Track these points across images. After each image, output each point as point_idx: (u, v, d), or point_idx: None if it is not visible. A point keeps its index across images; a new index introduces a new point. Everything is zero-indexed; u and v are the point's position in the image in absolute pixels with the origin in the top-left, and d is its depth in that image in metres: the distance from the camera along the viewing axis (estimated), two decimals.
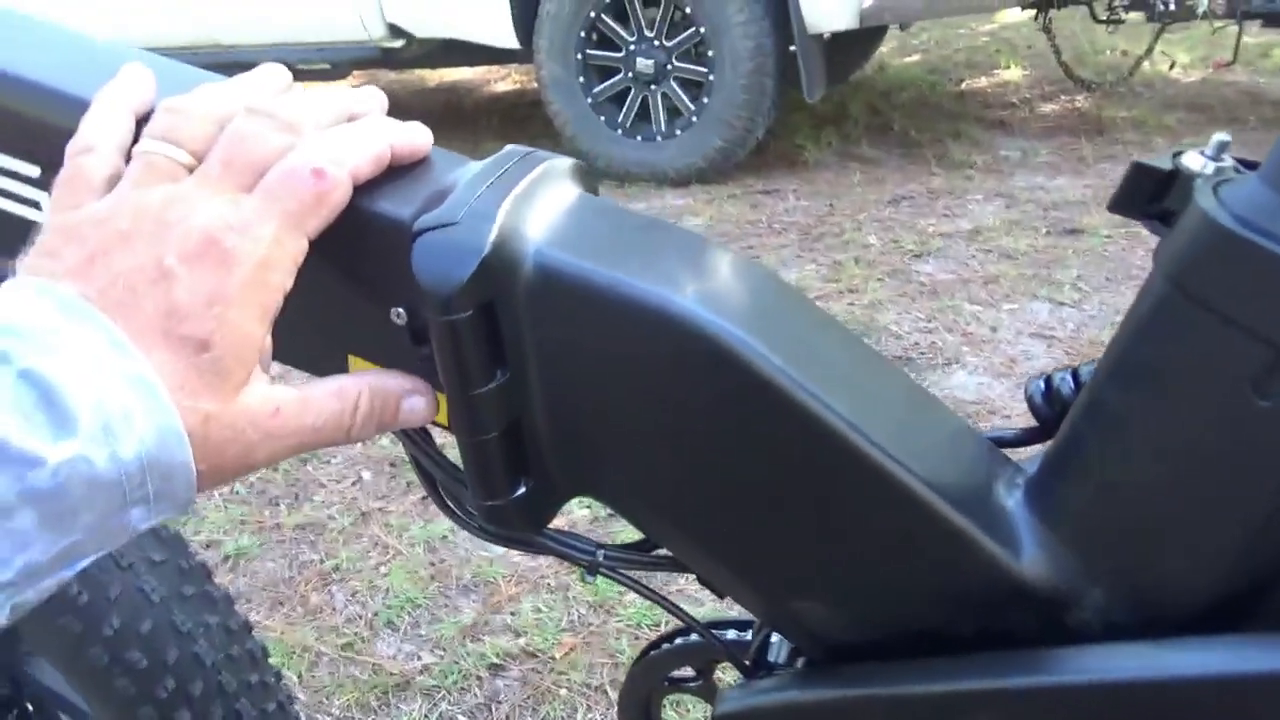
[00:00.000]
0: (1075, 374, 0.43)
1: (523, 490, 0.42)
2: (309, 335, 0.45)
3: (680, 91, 3.12)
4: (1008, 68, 4.39)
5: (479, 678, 1.23)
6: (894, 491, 0.38)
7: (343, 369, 0.45)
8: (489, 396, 0.39)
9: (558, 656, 1.25)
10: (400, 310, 0.40)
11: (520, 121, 4.04)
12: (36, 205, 0.46)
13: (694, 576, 0.47)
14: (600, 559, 0.46)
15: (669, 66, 3.11)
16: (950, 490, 0.39)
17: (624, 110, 3.21)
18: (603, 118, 3.22)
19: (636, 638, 1.27)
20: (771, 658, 0.50)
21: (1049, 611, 0.39)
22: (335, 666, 1.26)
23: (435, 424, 0.44)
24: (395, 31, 3.33)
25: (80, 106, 0.43)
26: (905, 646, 0.43)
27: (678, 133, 3.15)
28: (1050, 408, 0.43)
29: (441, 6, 3.22)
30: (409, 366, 0.43)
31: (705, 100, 3.07)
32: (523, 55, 3.36)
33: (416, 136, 0.40)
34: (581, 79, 3.19)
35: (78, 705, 0.82)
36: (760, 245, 2.64)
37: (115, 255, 0.32)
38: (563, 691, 1.20)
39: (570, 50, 3.15)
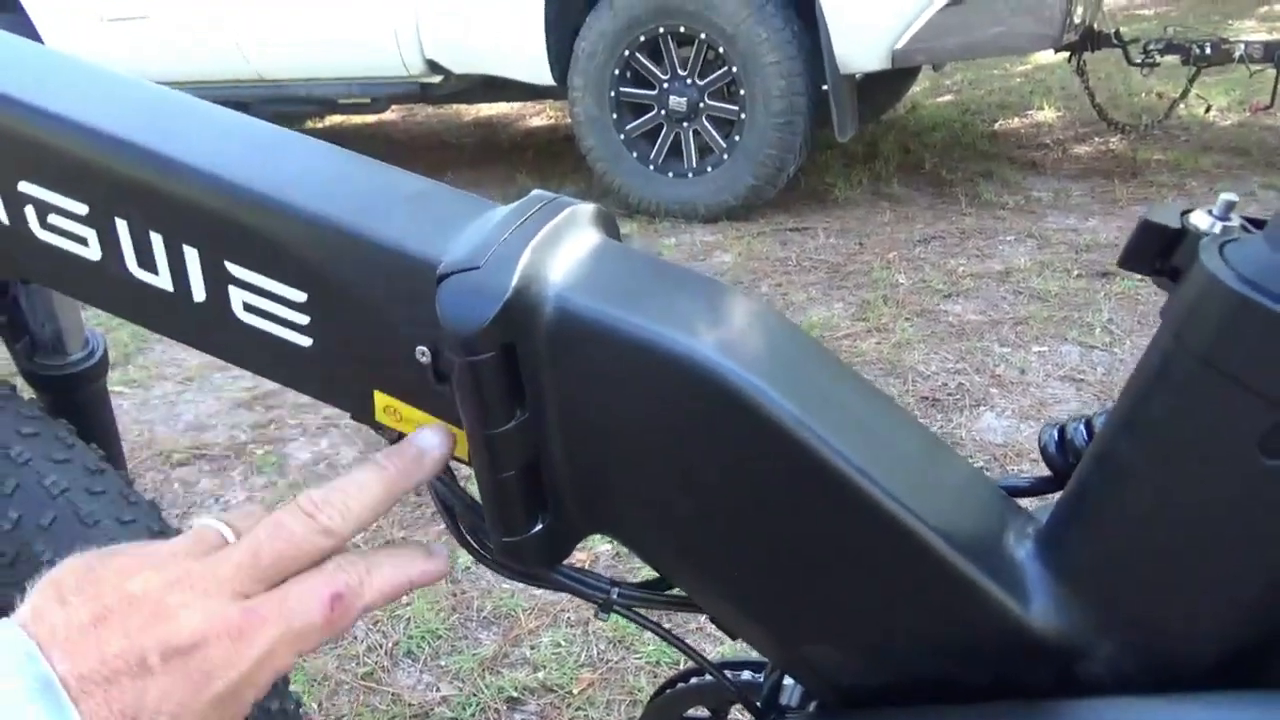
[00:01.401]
0: (1089, 424, 0.43)
1: (539, 527, 0.43)
2: (335, 369, 0.46)
3: (712, 129, 3.16)
4: (1041, 109, 4.39)
5: (497, 711, 1.23)
6: (905, 539, 0.38)
7: (368, 404, 0.46)
8: (508, 435, 0.40)
9: (575, 692, 1.25)
10: (424, 349, 0.42)
11: (554, 156, 4.09)
12: (84, 241, 0.48)
13: (707, 616, 0.48)
14: (614, 597, 0.47)
15: (701, 104, 3.14)
16: (960, 539, 0.39)
17: (656, 147, 3.24)
18: (635, 154, 3.26)
19: (655, 675, 1.26)
20: (784, 700, 0.50)
21: (1059, 663, 0.39)
22: (355, 695, 1.27)
23: (454, 459, 0.46)
24: (434, 68, 3.40)
25: (125, 148, 0.45)
26: (916, 693, 0.43)
27: (709, 169, 3.18)
28: (1063, 457, 0.44)
29: (479, 44, 3.28)
30: (431, 403, 0.44)
31: (737, 138, 3.10)
32: (558, 92, 3.41)
33: (434, 569, 0.40)
34: (615, 116, 3.23)
35: None
36: (789, 283, 2.64)
37: (112, 630, 0.31)
38: None
39: (604, 88, 3.20)
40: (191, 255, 0.46)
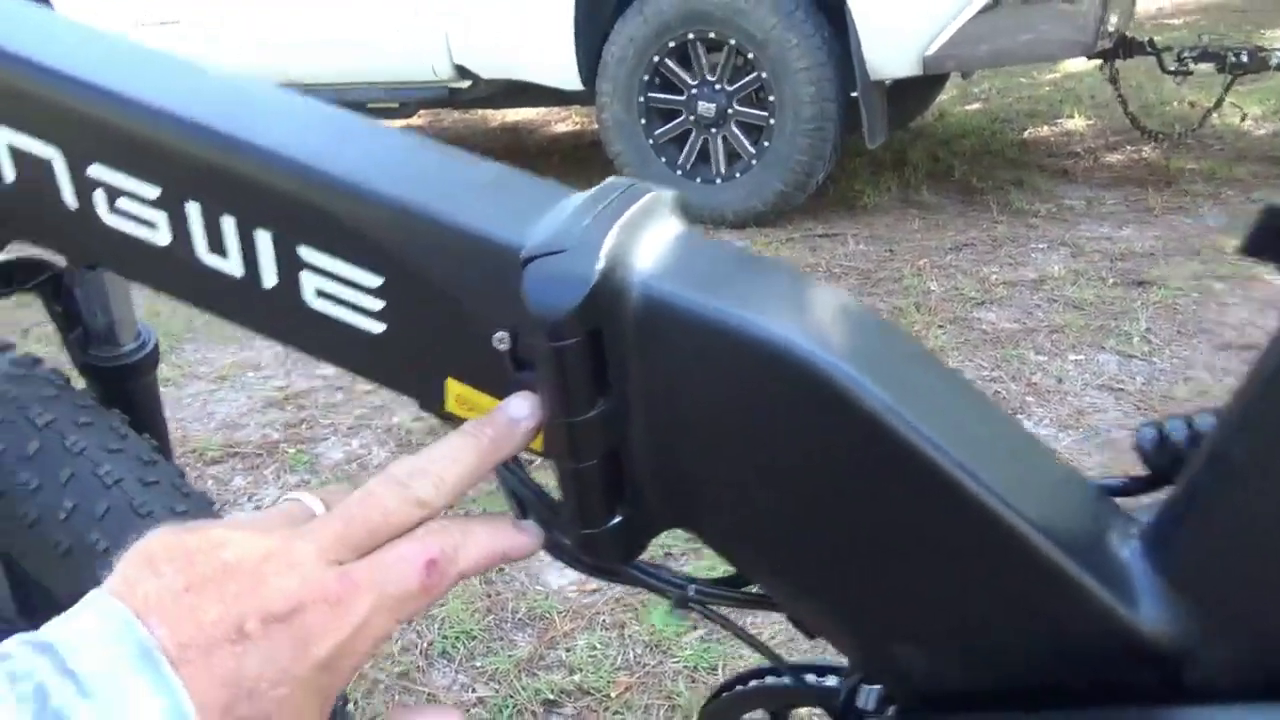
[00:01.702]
0: (1190, 423, 0.42)
1: (618, 520, 0.42)
2: (408, 357, 0.45)
3: (741, 135, 3.15)
4: (1071, 117, 4.35)
5: (534, 713, 1.22)
6: (1005, 537, 0.37)
7: (440, 393, 0.45)
8: (590, 424, 0.39)
9: (613, 695, 1.23)
10: (503, 335, 0.41)
11: (580, 162, 4.10)
12: (154, 226, 0.47)
13: (784, 616, 0.46)
14: (691, 593, 0.45)
15: (730, 110, 3.13)
16: (1063, 537, 0.38)
17: (684, 152, 3.24)
18: (663, 159, 3.25)
19: (693, 680, 1.25)
20: (860, 703, 0.49)
21: (1166, 668, 0.37)
22: (391, 694, 1.26)
23: (529, 451, 0.44)
24: (462, 72, 3.41)
25: (199, 130, 0.45)
26: (1006, 697, 0.41)
27: (737, 175, 3.17)
28: (1162, 456, 0.42)
29: (508, 50, 3.29)
30: (507, 391, 0.43)
31: (766, 144, 3.09)
32: (585, 97, 3.42)
33: (527, 542, 0.39)
34: (643, 121, 3.23)
35: None
36: None
37: (208, 597, 0.31)
38: None
39: (633, 93, 3.19)
40: (264, 240, 0.45)
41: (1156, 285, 2.49)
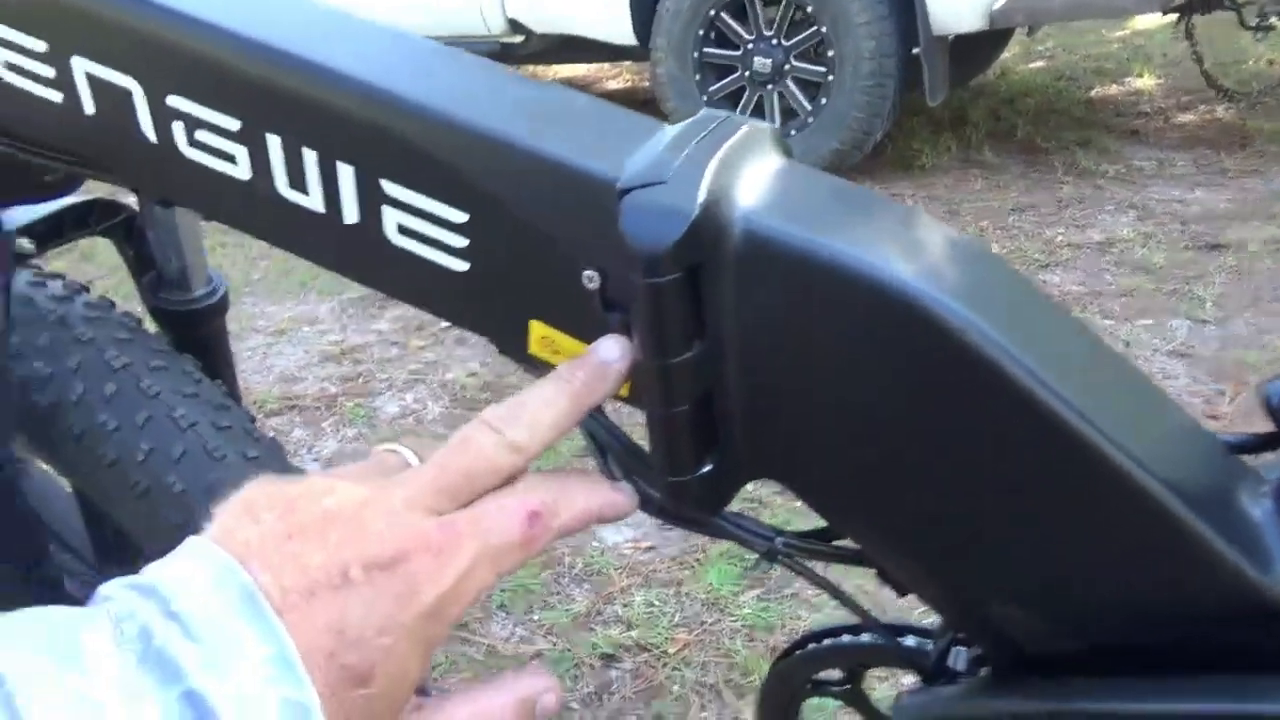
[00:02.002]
0: None
1: (708, 468, 0.41)
2: (491, 296, 0.44)
3: (797, 91, 3.08)
4: (1140, 75, 4.19)
5: (591, 666, 1.22)
6: (1127, 490, 0.35)
7: (523, 335, 0.44)
8: (685, 366, 0.37)
9: (671, 652, 1.23)
10: (592, 273, 0.39)
11: None
12: (233, 160, 0.46)
13: (875, 571, 0.45)
14: (779, 546, 0.44)
15: (787, 66, 3.06)
16: (1190, 493, 0.35)
17: (739, 109, 3.18)
18: None
19: (751, 639, 1.24)
20: (951, 664, 0.47)
21: None
22: (450, 645, 1.28)
23: (615, 397, 0.43)
24: (515, 27, 3.38)
25: (281, 58, 0.43)
26: (1115, 661, 0.39)
27: (793, 133, 3.10)
28: None
29: (561, 3, 3.25)
30: (594, 334, 0.42)
31: (823, 101, 3.02)
32: (639, 53, 3.36)
33: (623, 502, 0.38)
34: (698, 77, 3.17)
35: None
36: None
37: (311, 544, 0.30)
38: (675, 688, 1.18)
39: (687, 48, 3.14)
40: (346, 173, 0.44)
41: (1230, 249, 2.39)
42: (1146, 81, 4.11)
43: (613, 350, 0.38)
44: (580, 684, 1.19)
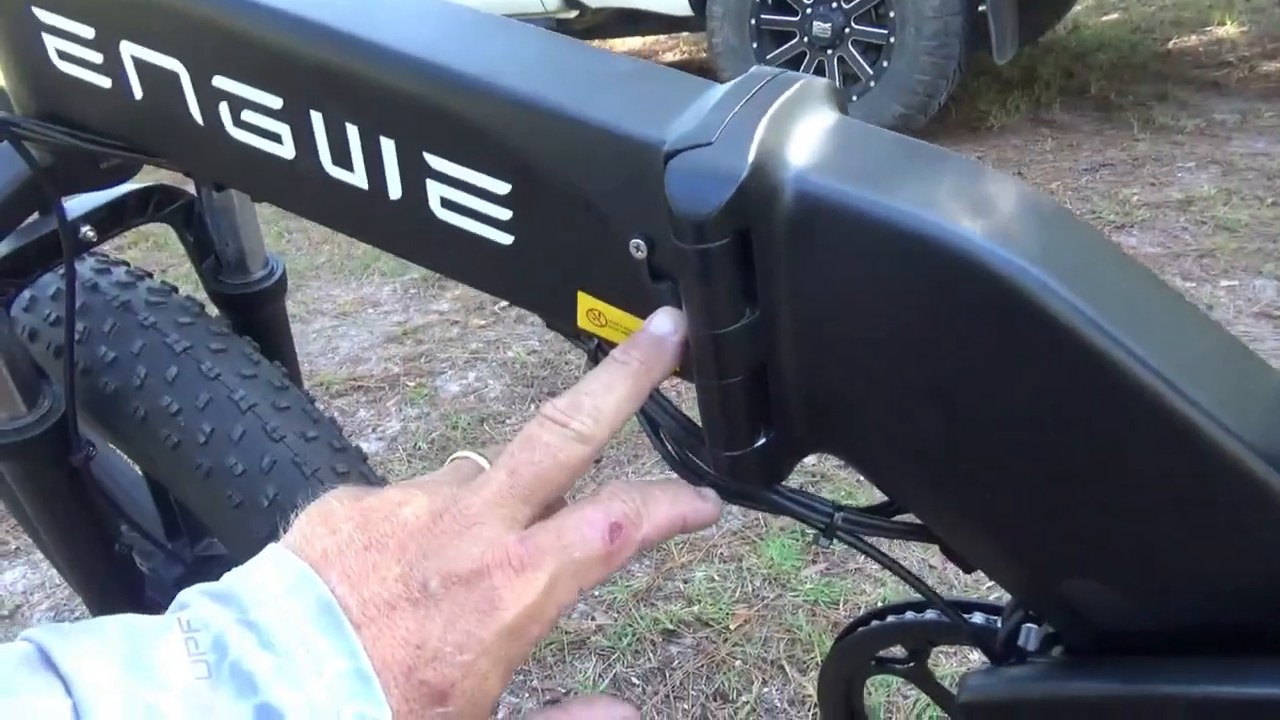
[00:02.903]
0: None
1: (763, 441, 0.39)
2: (536, 269, 0.43)
3: (858, 55, 3.00)
4: (1222, 24, 3.98)
5: (653, 642, 1.22)
6: (1215, 456, 0.32)
7: (570, 307, 0.43)
8: (737, 336, 0.36)
9: (732, 628, 1.22)
10: (640, 241, 0.38)
11: None
12: (278, 139, 0.46)
13: (939, 546, 0.43)
14: (838, 522, 0.42)
15: (847, 29, 2.99)
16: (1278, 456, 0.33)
17: None
18: None
19: (814, 614, 1.23)
20: (1021, 643, 0.45)
21: None
22: None
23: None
24: (569, 2, 3.36)
25: (318, 33, 0.43)
26: (1197, 642, 0.37)
27: (854, 99, 3.03)
28: None
29: None
30: (642, 305, 0.40)
31: (885, 64, 2.94)
32: (694, 23, 3.31)
33: (708, 510, 0.37)
34: (755, 45, 3.11)
35: None
36: None
37: (389, 556, 0.29)
38: (737, 663, 1.17)
39: (745, 15, 3.08)
40: (388, 148, 0.43)
41: None
42: (1229, 30, 3.91)
43: (666, 325, 0.37)
44: (641, 660, 1.19)
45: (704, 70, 3.52)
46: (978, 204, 0.35)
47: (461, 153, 0.41)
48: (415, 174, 0.43)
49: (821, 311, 0.36)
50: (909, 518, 0.42)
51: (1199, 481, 0.33)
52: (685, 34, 4.43)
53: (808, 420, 0.39)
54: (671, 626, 1.24)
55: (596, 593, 1.32)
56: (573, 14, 3.42)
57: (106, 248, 0.73)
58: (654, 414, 0.43)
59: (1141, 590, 0.37)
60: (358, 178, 0.45)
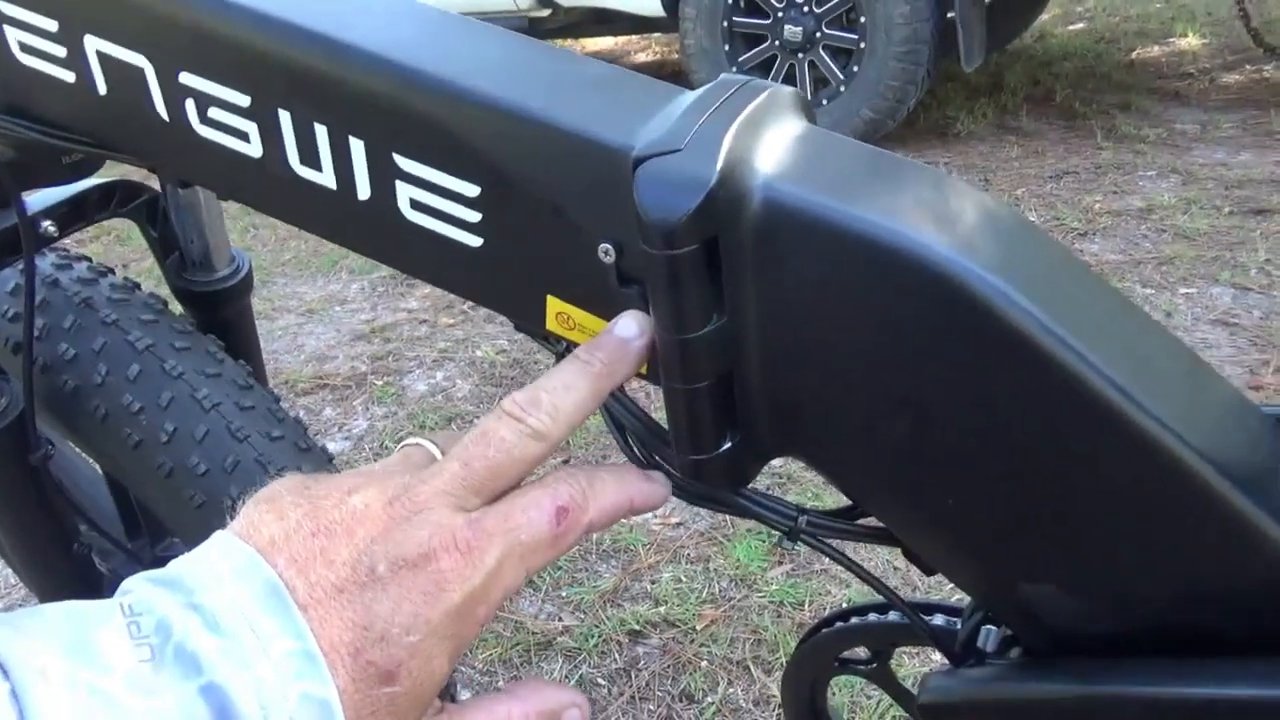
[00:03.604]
0: None
1: (728, 445, 0.40)
2: (506, 272, 0.43)
3: (829, 60, 3.02)
4: (1184, 36, 4.06)
5: (619, 643, 1.22)
6: (1168, 465, 0.33)
7: (539, 310, 0.43)
8: (704, 342, 0.36)
9: (698, 628, 1.23)
10: (608, 246, 0.38)
11: None
12: (245, 137, 0.46)
13: (901, 550, 0.43)
14: (802, 525, 0.43)
15: (818, 34, 3.01)
16: (1236, 470, 0.34)
17: (769, 79, 3.13)
18: None
19: (779, 614, 1.24)
20: (980, 644, 0.46)
21: None
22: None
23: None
24: (542, 1, 3.35)
25: (288, 31, 0.42)
26: (1151, 643, 0.38)
27: (824, 102, 3.05)
28: None
29: None
30: (610, 308, 0.40)
31: (855, 69, 2.96)
32: (666, 24, 3.32)
33: (655, 492, 0.37)
34: (727, 47, 3.13)
35: None
36: None
37: (337, 541, 0.29)
38: (704, 663, 1.18)
39: (717, 17, 3.09)
40: (357, 148, 0.43)
41: (1277, 214, 2.32)
42: (1191, 41, 3.99)
43: (631, 327, 0.37)
44: (608, 660, 1.19)
45: (676, 72, 3.53)
46: (941, 214, 0.35)
47: (431, 155, 0.41)
48: (384, 175, 0.43)
49: (788, 318, 0.36)
50: (872, 521, 0.43)
51: (1153, 489, 0.34)
52: (657, 35, 4.44)
53: (773, 425, 0.39)
54: (638, 627, 1.24)
55: (563, 594, 1.32)
56: (545, 12, 3.41)
57: (67, 243, 0.72)
58: (620, 416, 0.43)
59: (1097, 594, 0.38)
60: (326, 177, 0.44)
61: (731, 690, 1.14)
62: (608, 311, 0.41)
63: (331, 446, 1.73)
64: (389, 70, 0.40)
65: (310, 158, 0.44)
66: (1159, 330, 0.39)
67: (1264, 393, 1.68)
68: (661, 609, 1.26)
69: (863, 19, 2.90)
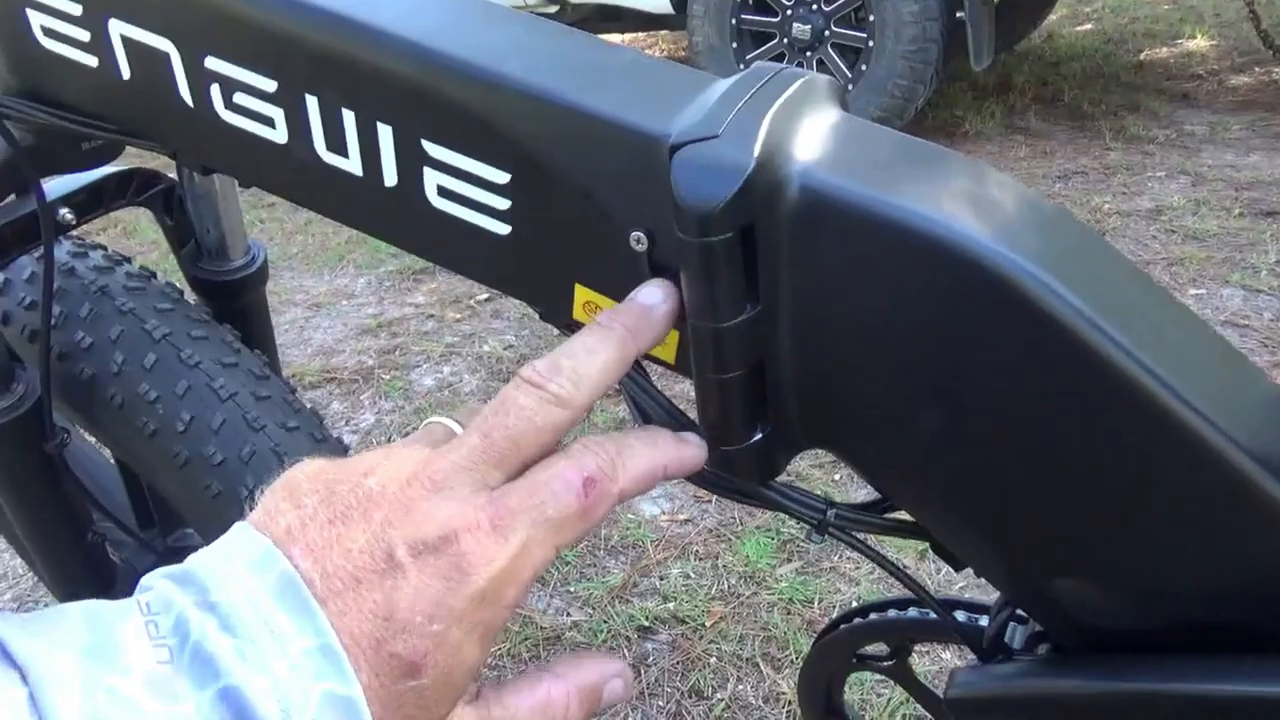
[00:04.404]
0: None
1: (759, 437, 0.39)
2: (534, 260, 0.42)
3: (837, 58, 3.02)
4: (1193, 37, 4.05)
5: (628, 639, 1.22)
6: (1210, 461, 0.33)
7: (567, 299, 0.42)
8: (738, 331, 0.36)
9: (707, 625, 1.23)
10: (641, 234, 0.38)
11: None
12: (271, 123, 0.45)
13: (929, 545, 0.43)
14: (830, 518, 0.42)
15: (827, 32, 3.00)
16: (1275, 462, 0.33)
17: None
18: None
19: (789, 612, 1.23)
20: (1008, 640, 0.46)
21: None
22: None
23: (660, 363, 0.42)
24: None
25: (316, 14, 0.42)
26: (1183, 639, 0.37)
27: None
28: None
29: None
30: None
31: (863, 68, 2.96)
32: (675, 21, 3.31)
33: (690, 454, 0.36)
34: (735, 45, 3.12)
35: None
36: None
37: (354, 527, 0.28)
38: (712, 660, 1.18)
39: (725, 15, 3.08)
40: (385, 134, 0.42)
41: None
42: (1199, 43, 3.98)
43: (655, 294, 0.36)
44: (617, 656, 1.19)
45: None
46: (980, 204, 0.35)
47: (461, 141, 0.41)
48: (412, 161, 0.42)
49: (823, 308, 0.36)
50: (901, 515, 0.43)
51: (1191, 483, 0.34)
52: (665, 32, 4.43)
53: (804, 416, 0.39)
54: (647, 623, 1.24)
55: (572, 589, 1.32)
56: (553, 9, 3.41)
57: (82, 231, 0.71)
58: (645, 405, 0.43)
59: (1131, 589, 0.37)
60: (352, 164, 0.44)
61: (741, 687, 1.14)
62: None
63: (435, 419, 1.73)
64: (419, 55, 0.40)
65: (337, 144, 0.44)
66: (1195, 320, 0.38)
67: None
68: (670, 605, 1.26)
69: (871, 18, 2.89)
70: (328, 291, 2.35)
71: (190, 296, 0.74)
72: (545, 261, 0.42)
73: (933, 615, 0.52)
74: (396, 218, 0.45)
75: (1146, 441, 0.33)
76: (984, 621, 0.49)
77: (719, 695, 1.12)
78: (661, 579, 1.32)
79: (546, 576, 1.34)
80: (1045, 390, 0.34)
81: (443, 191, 0.42)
